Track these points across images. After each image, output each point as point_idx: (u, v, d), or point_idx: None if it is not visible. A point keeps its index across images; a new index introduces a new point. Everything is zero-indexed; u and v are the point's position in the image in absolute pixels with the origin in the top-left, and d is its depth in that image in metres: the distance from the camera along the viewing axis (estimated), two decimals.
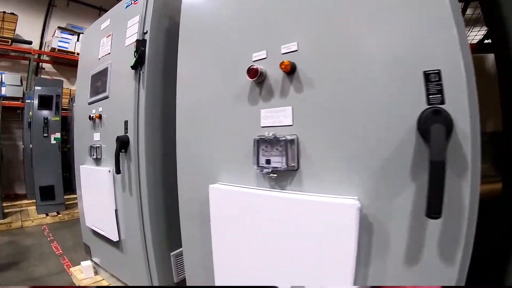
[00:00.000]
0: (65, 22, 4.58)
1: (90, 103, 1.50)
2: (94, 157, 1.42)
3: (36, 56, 4.22)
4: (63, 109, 3.46)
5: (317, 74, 0.69)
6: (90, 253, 1.61)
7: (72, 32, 4.46)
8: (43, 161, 3.04)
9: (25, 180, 3.76)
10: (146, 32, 1.19)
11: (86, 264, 1.60)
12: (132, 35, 1.23)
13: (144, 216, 1.17)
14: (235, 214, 0.79)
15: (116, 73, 1.33)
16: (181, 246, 1.02)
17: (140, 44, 1.16)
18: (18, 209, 3.33)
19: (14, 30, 3.87)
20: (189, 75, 0.97)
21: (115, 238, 1.31)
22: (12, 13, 3.84)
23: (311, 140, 0.69)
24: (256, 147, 0.76)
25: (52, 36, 4.35)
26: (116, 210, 1.30)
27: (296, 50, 0.71)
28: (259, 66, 0.75)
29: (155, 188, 1.18)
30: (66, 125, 4.05)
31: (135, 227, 1.20)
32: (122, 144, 1.19)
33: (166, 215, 1.21)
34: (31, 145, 3.09)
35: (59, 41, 4.31)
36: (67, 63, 4.54)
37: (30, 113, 3.16)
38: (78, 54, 4.60)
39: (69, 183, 3.69)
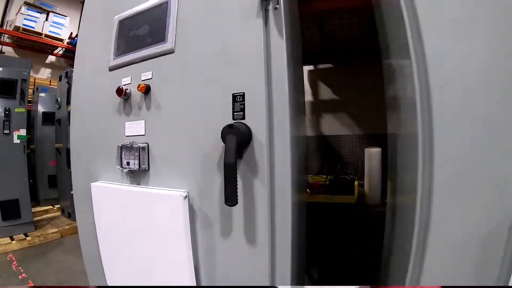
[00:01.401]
0: None
1: (114, 68, 0.95)
2: (132, 166, 0.85)
3: None
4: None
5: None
6: None
7: (41, 10, 3.88)
8: (3, 167, 2.27)
9: None
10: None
11: None
12: None
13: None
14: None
15: (195, 13, 0.82)
16: None
17: None
18: None
19: None
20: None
21: None
22: None
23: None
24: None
25: (17, 14, 3.70)
26: (196, 268, 0.78)
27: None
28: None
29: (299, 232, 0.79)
30: (29, 121, 3.41)
31: None
32: (242, 142, 0.70)
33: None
34: None
35: (24, 19, 3.71)
36: (32, 46, 3.92)
37: None
38: (46, 36, 4.09)
39: (34, 192, 3.06)
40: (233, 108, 0.74)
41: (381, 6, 0.90)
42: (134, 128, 0.89)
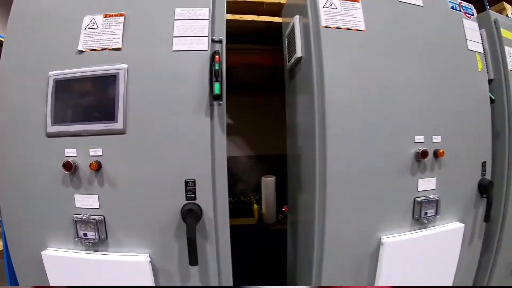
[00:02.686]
0: None
1: (53, 136, 0.94)
2: (91, 237, 0.93)
3: None
4: None
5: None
6: None
7: None
8: None
9: None
10: (220, 41, 0.96)
11: None
12: (187, 37, 0.94)
13: None
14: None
15: (144, 91, 0.93)
16: None
17: (220, 59, 0.91)
18: None
19: None
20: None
21: None
22: None
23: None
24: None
25: None
26: None
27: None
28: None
29: None
30: None
31: None
32: (196, 219, 0.92)
33: None
34: None
35: None
36: None
37: None
38: None
39: None
40: (186, 191, 0.93)
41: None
42: (87, 201, 0.95)
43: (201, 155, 0.92)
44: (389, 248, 1.01)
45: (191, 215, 0.90)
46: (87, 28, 0.99)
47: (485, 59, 1.23)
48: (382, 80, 1.01)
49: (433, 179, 1.08)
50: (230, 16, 1.24)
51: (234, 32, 1.36)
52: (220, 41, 0.97)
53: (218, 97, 0.91)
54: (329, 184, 0.95)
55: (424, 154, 1.02)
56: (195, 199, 0.93)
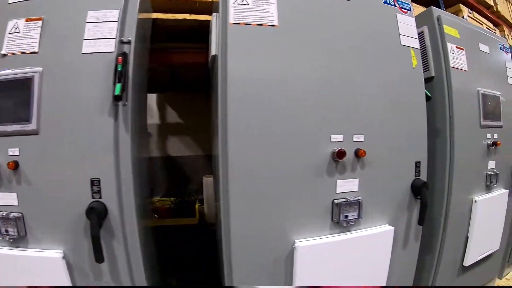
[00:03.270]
0: None
1: None
2: (12, 234, 0.97)
3: None
4: None
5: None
6: None
7: None
8: None
9: None
10: (129, 42, 0.97)
11: None
12: (96, 39, 0.95)
13: None
14: None
15: (56, 93, 0.95)
16: None
17: (124, 60, 0.92)
18: None
19: None
20: None
21: None
22: None
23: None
24: None
25: None
26: None
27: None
28: None
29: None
30: None
31: None
32: (101, 216, 0.93)
33: None
34: None
35: None
36: None
37: None
38: None
39: None
40: (92, 189, 0.95)
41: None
42: (6, 199, 1.00)
43: (105, 155, 0.94)
44: (303, 252, 0.97)
45: (94, 213, 0.92)
46: (10, 32, 1.04)
47: (427, 56, 1.15)
48: (295, 77, 0.98)
49: (355, 180, 1.03)
50: (162, 16, 1.25)
51: (174, 31, 1.36)
52: (129, 42, 0.98)
53: (118, 98, 0.92)
54: (232, 185, 0.93)
55: (340, 154, 0.97)
56: (100, 197, 0.95)
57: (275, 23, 0.98)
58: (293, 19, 1.00)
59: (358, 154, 1.00)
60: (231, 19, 0.97)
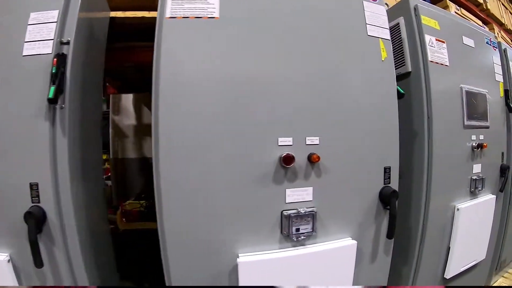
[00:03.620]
0: None
1: None
2: None
3: None
4: None
5: None
6: None
7: None
8: None
9: None
10: (68, 43, 0.95)
11: None
12: (36, 41, 0.93)
13: None
14: None
15: None
16: None
17: (60, 62, 0.90)
18: None
19: None
20: None
21: None
22: None
23: None
24: None
25: None
26: None
27: None
28: None
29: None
30: None
31: None
32: (40, 221, 0.91)
33: None
34: None
35: None
36: None
37: None
38: None
39: None
40: (31, 194, 0.93)
41: None
42: None
43: (41, 159, 0.92)
44: (245, 268, 0.88)
45: (30, 217, 0.90)
46: None
47: (403, 49, 0.99)
48: (236, 73, 0.88)
49: (309, 189, 0.91)
50: (121, 14, 1.20)
51: (139, 29, 1.32)
52: (68, 43, 0.95)
53: (52, 101, 0.89)
54: (164, 193, 0.86)
55: (287, 159, 0.86)
56: (39, 202, 0.93)
57: (216, 14, 0.89)
58: (238, 8, 0.90)
59: (311, 159, 0.88)
60: (167, 13, 0.89)
